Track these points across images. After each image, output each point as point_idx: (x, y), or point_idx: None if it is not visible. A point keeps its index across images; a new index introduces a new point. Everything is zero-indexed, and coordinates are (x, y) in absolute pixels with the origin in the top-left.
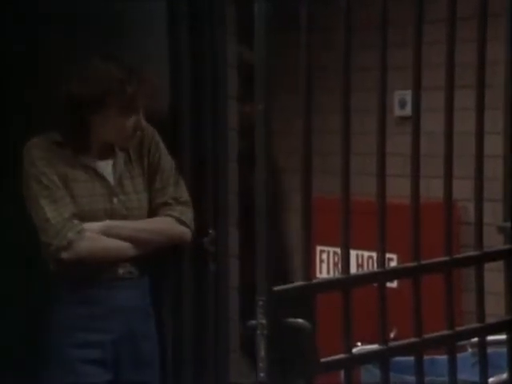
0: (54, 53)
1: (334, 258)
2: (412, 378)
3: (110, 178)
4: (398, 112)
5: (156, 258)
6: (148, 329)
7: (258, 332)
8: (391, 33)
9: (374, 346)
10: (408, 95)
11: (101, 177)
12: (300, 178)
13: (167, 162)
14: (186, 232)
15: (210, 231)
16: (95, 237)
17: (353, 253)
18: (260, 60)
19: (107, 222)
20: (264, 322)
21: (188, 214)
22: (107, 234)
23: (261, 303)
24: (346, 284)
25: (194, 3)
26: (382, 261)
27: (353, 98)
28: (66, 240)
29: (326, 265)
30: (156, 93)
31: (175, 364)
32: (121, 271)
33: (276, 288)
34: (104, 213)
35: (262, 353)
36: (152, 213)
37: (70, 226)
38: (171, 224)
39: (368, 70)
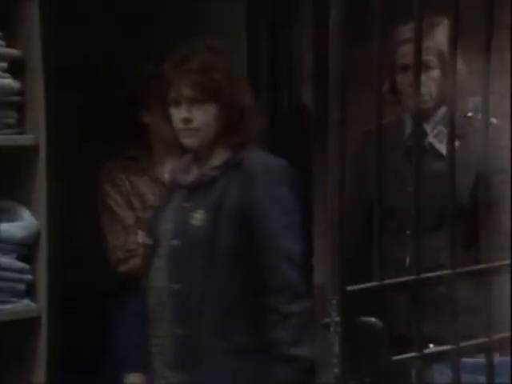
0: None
1: None
2: (483, 379)
3: None
4: None
5: None
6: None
7: (332, 330)
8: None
9: (445, 347)
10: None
11: None
12: None
13: None
14: None
15: None
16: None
17: None
18: (335, 63)
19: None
20: (337, 320)
21: None
22: None
23: (334, 302)
24: (415, 285)
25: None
26: (452, 263)
27: None
28: (117, 257)
29: None
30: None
31: None
32: None
33: (349, 288)
34: None
35: (336, 349)
36: None
37: (121, 245)
38: None
39: None
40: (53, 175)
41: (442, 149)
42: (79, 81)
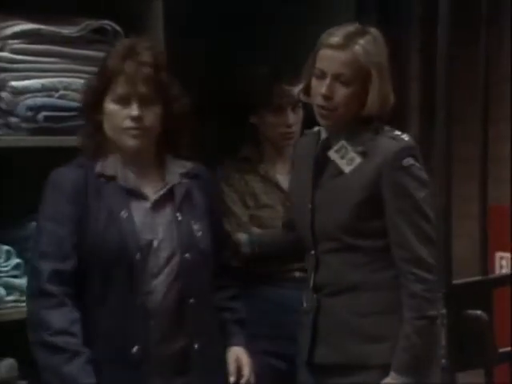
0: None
1: None
2: None
3: None
4: None
5: None
6: None
7: (439, 321)
8: None
9: None
10: None
11: (280, 189)
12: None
13: None
14: None
15: None
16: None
17: None
18: (442, 64)
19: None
20: (444, 312)
21: None
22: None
23: (441, 295)
24: None
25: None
26: None
27: None
28: (229, 251)
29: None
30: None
31: None
32: (297, 274)
33: (455, 281)
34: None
35: (443, 341)
36: None
37: (234, 239)
38: None
39: None
40: None
41: (343, 165)
42: (194, 79)
